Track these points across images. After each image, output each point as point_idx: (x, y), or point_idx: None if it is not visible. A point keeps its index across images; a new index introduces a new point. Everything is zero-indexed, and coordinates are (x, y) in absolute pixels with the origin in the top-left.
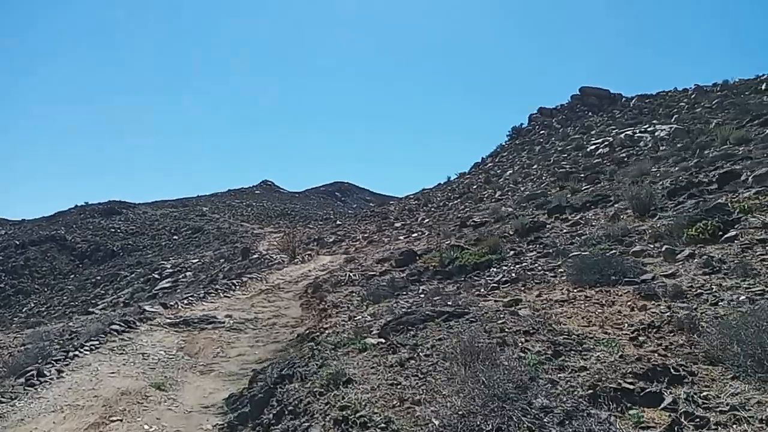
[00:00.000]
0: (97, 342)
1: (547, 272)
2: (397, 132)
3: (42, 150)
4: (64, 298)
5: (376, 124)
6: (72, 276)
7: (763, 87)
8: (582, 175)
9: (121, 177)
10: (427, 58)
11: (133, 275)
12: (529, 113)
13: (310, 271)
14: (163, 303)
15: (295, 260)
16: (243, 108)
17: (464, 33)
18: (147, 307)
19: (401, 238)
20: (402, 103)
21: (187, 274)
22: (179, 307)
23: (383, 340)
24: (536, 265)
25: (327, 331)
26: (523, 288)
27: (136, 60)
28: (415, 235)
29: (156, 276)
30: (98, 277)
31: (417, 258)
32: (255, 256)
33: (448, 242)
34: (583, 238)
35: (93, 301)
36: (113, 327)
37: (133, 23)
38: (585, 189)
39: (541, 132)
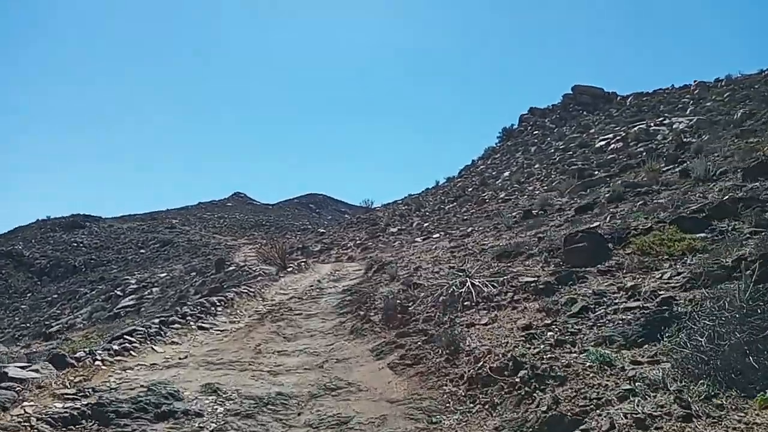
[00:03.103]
0: None
1: None
2: (372, 140)
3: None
4: (16, 319)
5: (348, 133)
6: (29, 294)
7: None
8: (625, 164)
9: (87, 192)
10: (401, 60)
11: (93, 292)
12: (508, 115)
13: (319, 281)
14: (60, 355)
15: (288, 270)
16: (211, 120)
17: (435, 35)
18: (12, 371)
19: (418, 240)
20: (375, 109)
21: (154, 290)
22: (96, 362)
23: None
24: None
25: None
26: None
27: (103, 67)
28: (437, 235)
29: (118, 293)
30: (55, 296)
31: (611, 245)
32: (231, 268)
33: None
34: None
35: (47, 322)
36: None
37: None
38: (668, 168)
39: (535, 132)
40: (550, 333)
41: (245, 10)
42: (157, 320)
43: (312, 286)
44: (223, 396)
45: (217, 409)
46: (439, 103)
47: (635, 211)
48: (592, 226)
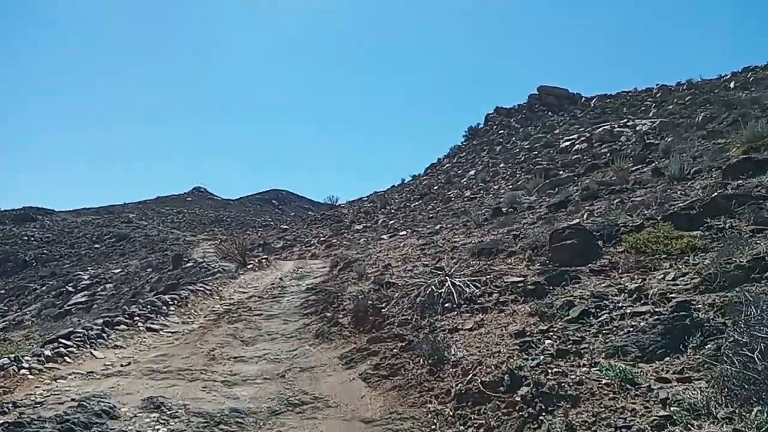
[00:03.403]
0: None
1: None
2: (337, 138)
3: None
4: None
5: (313, 130)
6: None
7: (732, 85)
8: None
9: (41, 185)
10: (367, 61)
11: (44, 288)
12: (475, 114)
13: (280, 279)
14: None
15: (248, 267)
16: (173, 111)
17: (397, 34)
18: None
19: (385, 237)
20: (341, 108)
21: (107, 286)
22: (23, 370)
23: None
24: None
25: None
26: None
27: (69, 60)
28: (404, 233)
29: (70, 288)
30: (2, 291)
31: (600, 243)
32: (189, 264)
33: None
34: None
35: None
36: None
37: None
38: (636, 168)
39: (500, 132)
40: (548, 341)
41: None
42: (100, 321)
43: (273, 284)
44: (168, 413)
45: (159, 429)
46: (408, 102)
47: (614, 208)
48: (572, 223)
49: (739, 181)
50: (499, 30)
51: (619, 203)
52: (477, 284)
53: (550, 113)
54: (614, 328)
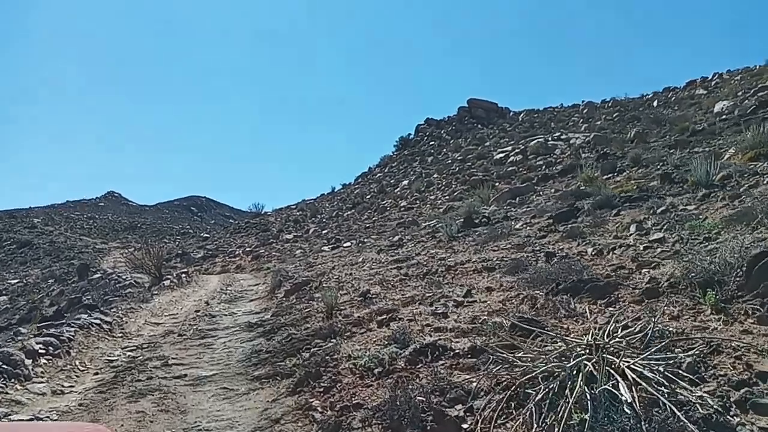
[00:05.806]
0: None
1: None
2: (262, 145)
3: None
4: None
5: (238, 135)
6: None
7: (655, 104)
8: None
9: None
10: (297, 63)
11: None
12: (405, 124)
13: (207, 303)
14: None
15: (165, 283)
16: (88, 112)
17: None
18: None
19: (326, 249)
20: (266, 113)
21: (1, 299)
22: None
23: None
24: None
25: None
26: None
27: None
28: (348, 244)
29: None
30: None
31: None
32: (97, 275)
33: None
34: None
35: None
36: None
37: None
38: (608, 177)
39: (431, 143)
40: None
41: None
42: None
43: (198, 310)
44: None
45: None
46: (338, 109)
47: (690, 220)
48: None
49: None
50: (430, 41)
51: (664, 212)
52: (679, 373)
53: (479, 126)
54: None
